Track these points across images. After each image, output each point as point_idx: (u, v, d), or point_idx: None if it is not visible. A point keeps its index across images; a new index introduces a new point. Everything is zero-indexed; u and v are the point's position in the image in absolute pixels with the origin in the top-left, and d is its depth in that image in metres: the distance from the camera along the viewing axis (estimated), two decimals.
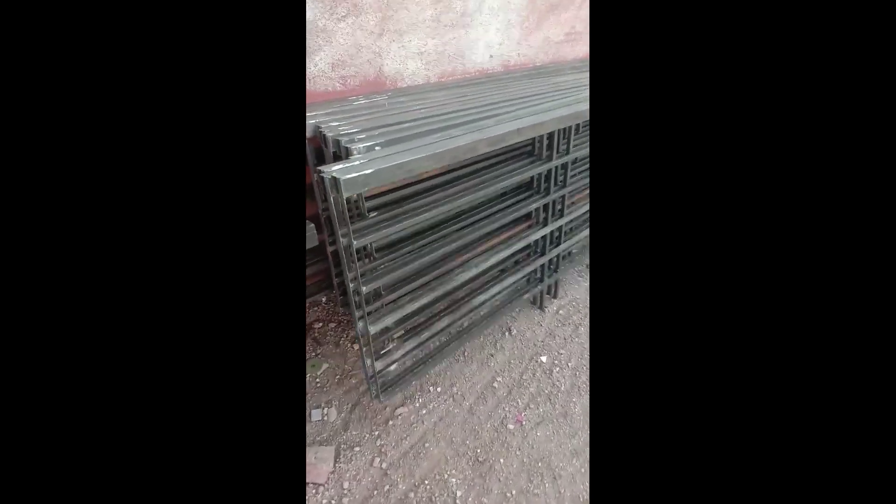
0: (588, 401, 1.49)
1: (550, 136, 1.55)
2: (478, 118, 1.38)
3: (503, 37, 2.13)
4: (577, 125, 1.91)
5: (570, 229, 1.99)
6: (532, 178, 1.68)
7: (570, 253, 2.12)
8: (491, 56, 2.13)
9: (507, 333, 1.79)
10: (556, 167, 1.61)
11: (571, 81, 2.01)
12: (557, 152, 1.63)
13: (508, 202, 1.63)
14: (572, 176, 1.84)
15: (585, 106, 1.57)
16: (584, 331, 1.80)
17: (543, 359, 1.66)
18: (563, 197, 1.73)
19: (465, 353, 1.69)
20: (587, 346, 1.72)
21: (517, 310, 1.91)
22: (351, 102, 1.57)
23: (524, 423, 1.42)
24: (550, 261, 1.90)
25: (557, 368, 1.62)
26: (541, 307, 1.92)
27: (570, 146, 1.62)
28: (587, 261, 2.24)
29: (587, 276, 2.14)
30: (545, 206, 1.68)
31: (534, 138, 1.60)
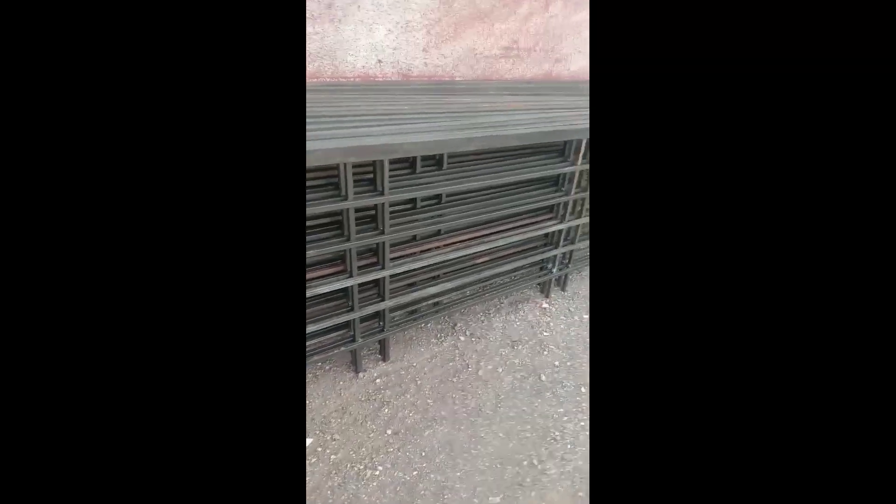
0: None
1: (346, 168, 1.21)
2: None
3: (399, 40, 1.80)
4: (436, 157, 1.54)
5: (425, 280, 1.63)
6: (341, 214, 1.34)
7: (438, 303, 1.75)
8: (380, 61, 1.80)
9: None
10: (355, 209, 1.27)
11: (477, 105, 1.64)
12: (374, 189, 1.29)
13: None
14: (432, 218, 1.49)
15: (417, 137, 1.22)
16: (389, 412, 1.44)
17: (308, 441, 1.32)
18: (382, 244, 1.38)
19: None
20: (374, 434, 1.36)
21: (327, 367, 1.58)
22: None
23: None
24: (370, 317, 1.55)
25: (314, 459, 1.28)
26: (357, 370, 1.57)
27: (386, 185, 1.27)
28: (459, 319, 1.86)
29: (447, 338, 1.77)
30: (350, 254, 1.34)
31: (339, 167, 1.26)
